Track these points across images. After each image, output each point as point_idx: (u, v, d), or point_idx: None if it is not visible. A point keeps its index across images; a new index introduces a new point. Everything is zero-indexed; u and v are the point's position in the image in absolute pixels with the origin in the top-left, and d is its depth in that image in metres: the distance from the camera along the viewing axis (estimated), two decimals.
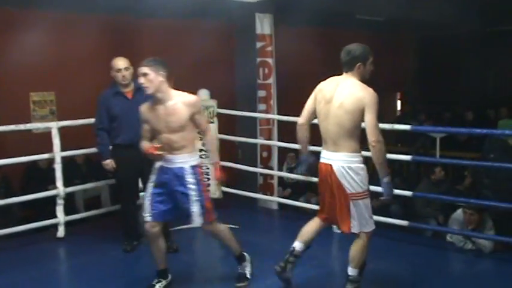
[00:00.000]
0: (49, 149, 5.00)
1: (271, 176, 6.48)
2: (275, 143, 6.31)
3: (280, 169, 6.82)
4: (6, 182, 6.19)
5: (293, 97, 7.35)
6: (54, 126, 5.02)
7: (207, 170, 5.96)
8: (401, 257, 4.48)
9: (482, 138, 7.00)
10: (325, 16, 7.88)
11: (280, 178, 6.86)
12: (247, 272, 3.84)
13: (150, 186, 3.64)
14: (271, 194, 6.43)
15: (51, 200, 5.12)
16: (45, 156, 5.15)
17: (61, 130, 5.03)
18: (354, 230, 3.42)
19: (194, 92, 6.06)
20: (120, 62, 4.46)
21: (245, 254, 3.85)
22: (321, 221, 3.62)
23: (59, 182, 5.02)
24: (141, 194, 4.98)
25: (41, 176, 6.34)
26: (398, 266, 4.26)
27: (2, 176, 6.12)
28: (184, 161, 3.55)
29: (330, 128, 3.40)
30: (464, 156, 7.18)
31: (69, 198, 5.49)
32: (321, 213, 3.62)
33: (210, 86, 6.10)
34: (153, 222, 3.60)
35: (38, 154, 5.14)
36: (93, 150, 5.08)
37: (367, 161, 3.45)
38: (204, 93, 6.02)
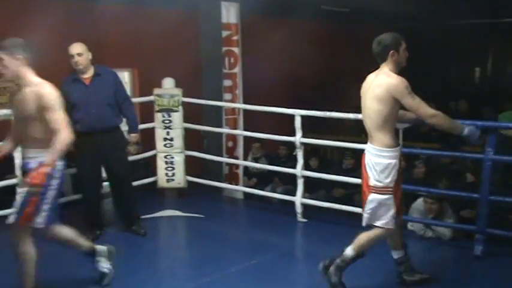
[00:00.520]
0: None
1: (237, 166, 6.49)
2: (241, 132, 6.31)
3: (245, 159, 6.83)
4: None
5: (259, 87, 7.42)
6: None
7: (172, 160, 5.93)
8: None
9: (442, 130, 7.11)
10: (290, 6, 7.91)
11: (246, 168, 6.87)
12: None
13: None
14: (237, 184, 6.44)
15: (11, 190, 4.99)
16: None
17: None
18: (364, 222, 3.47)
19: (159, 81, 6.07)
20: (73, 48, 4.39)
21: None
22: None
23: (19, 171, 4.89)
24: (105, 183, 4.93)
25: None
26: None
27: None
28: (32, 156, 3.29)
29: (365, 120, 3.50)
30: (426, 147, 7.32)
31: None
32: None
33: (176, 75, 6.05)
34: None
35: None
36: None
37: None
38: (169, 82, 5.97)
